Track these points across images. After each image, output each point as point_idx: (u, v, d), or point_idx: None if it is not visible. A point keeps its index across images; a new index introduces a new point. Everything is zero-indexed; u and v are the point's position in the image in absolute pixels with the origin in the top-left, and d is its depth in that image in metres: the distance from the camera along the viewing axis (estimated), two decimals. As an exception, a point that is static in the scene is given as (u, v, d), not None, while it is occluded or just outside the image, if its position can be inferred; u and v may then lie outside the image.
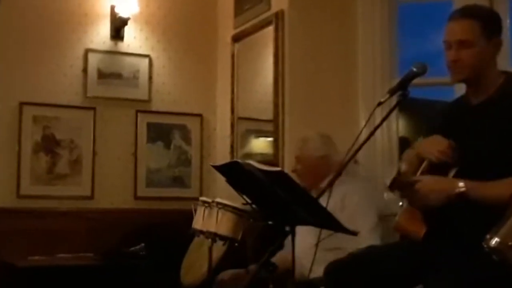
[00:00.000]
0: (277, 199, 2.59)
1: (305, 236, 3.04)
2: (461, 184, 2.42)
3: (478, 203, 2.41)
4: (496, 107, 2.55)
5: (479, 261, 2.25)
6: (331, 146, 3.80)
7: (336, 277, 2.72)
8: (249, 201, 2.82)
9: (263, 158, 4.74)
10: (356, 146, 2.60)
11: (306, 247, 3.16)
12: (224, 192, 3.72)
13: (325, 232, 2.87)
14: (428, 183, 2.49)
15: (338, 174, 2.51)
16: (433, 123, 2.84)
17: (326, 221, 2.56)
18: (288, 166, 4.17)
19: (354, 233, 2.85)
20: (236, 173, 2.72)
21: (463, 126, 2.63)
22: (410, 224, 2.82)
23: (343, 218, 2.58)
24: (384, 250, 2.81)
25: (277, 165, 4.29)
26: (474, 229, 2.31)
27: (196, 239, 4.12)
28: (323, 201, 2.54)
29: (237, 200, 3.12)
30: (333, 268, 2.75)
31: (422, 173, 2.56)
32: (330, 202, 2.56)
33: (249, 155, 5.08)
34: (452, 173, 2.52)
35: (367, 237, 3.44)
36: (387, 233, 3.66)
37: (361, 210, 3.60)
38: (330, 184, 2.51)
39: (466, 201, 2.42)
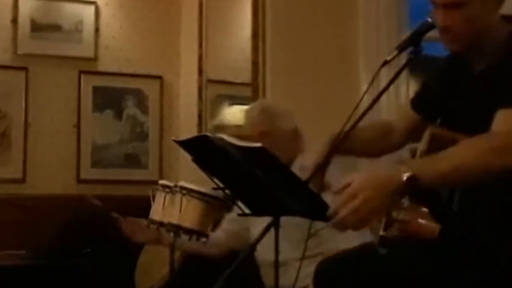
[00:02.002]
0: (257, 182, 2.60)
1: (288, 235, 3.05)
2: (403, 168, 2.19)
3: (437, 185, 2.26)
4: (500, 73, 2.50)
5: (494, 260, 2.32)
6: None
7: (328, 277, 2.74)
8: (221, 185, 2.83)
9: (239, 131, 4.71)
10: (356, 115, 2.57)
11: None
12: (189, 174, 3.70)
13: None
14: (361, 183, 2.20)
15: (335, 149, 2.49)
16: (431, 80, 2.81)
17: (318, 210, 2.54)
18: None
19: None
20: (205, 150, 2.71)
21: (465, 94, 2.59)
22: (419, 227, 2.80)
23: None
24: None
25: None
26: (488, 227, 2.36)
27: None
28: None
29: (206, 184, 3.11)
30: (324, 267, 2.77)
31: (430, 147, 2.53)
32: None
33: (221, 128, 5.12)
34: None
35: None
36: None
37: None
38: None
39: (421, 188, 2.20)
